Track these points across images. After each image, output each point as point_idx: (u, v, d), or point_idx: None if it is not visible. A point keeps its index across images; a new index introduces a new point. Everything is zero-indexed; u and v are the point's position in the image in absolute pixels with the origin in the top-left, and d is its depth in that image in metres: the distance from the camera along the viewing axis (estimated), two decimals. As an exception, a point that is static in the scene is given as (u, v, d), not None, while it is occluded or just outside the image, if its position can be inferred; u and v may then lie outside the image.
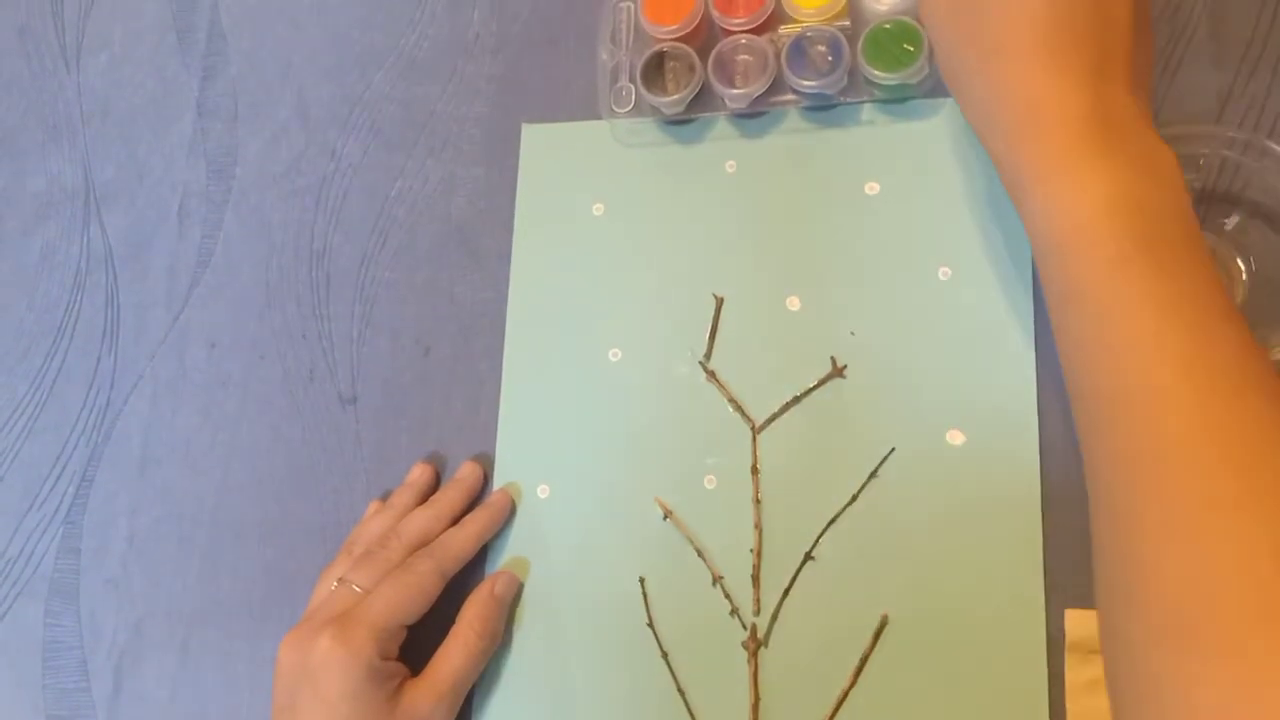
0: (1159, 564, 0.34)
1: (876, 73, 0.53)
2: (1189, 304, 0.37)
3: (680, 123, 0.58)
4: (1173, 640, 0.33)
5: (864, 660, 0.49)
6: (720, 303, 0.55)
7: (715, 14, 0.56)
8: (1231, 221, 0.49)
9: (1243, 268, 0.49)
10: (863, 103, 0.56)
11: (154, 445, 0.61)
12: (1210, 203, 0.49)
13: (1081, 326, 0.38)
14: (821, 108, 0.56)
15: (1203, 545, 0.33)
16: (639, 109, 0.57)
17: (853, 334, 0.53)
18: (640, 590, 0.52)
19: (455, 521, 0.54)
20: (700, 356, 0.55)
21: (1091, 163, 0.39)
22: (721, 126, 0.58)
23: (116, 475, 0.62)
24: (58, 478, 0.62)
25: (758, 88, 0.55)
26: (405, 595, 0.50)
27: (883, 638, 0.49)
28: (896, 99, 0.55)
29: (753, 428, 0.53)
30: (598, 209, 0.58)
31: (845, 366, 0.53)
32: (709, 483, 0.53)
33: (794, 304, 0.55)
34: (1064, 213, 0.39)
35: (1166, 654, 0.33)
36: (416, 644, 0.51)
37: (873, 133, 0.56)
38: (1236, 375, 0.35)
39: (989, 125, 0.42)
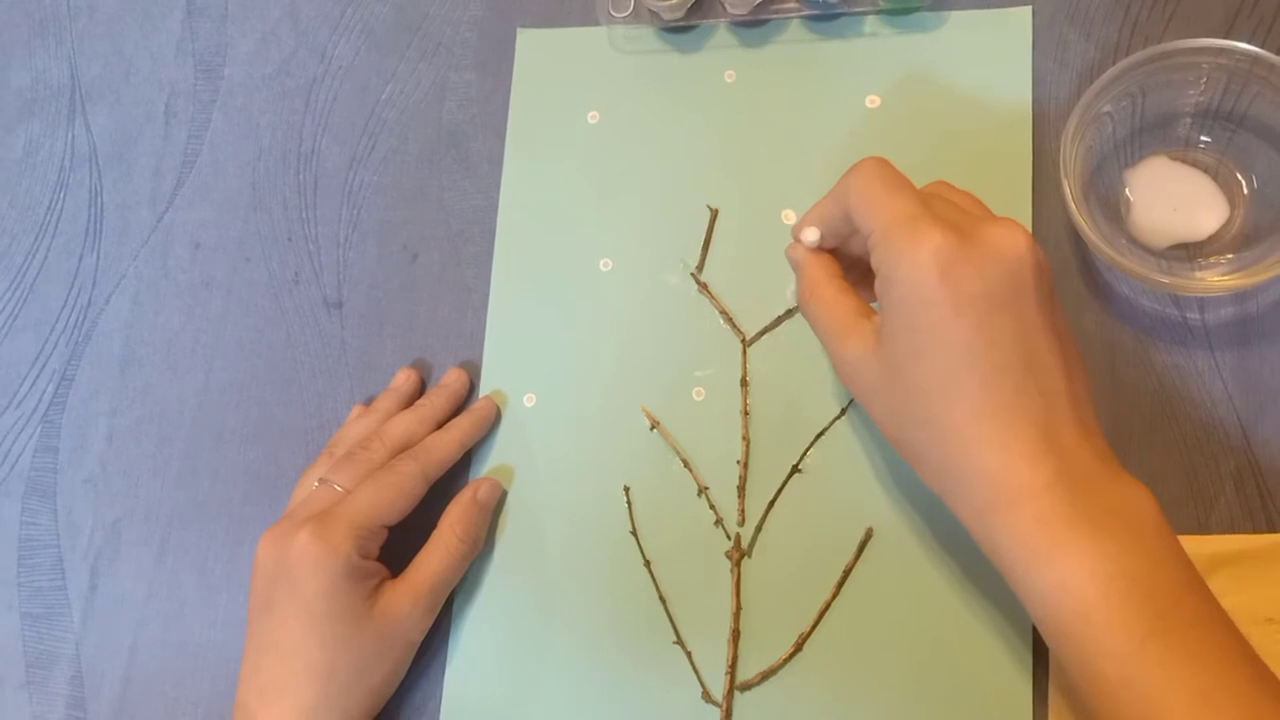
0: None
1: (881, -20, 0.52)
2: (1218, 684, 0.35)
3: (679, 30, 0.57)
4: None
5: (847, 572, 0.49)
6: (715, 214, 0.55)
7: (719, -83, 0.55)
8: (1234, 138, 0.48)
9: (1244, 185, 0.48)
10: (866, 13, 0.55)
11: (135, 345, 0.60)
12: (1215, 118, 0.48)
13: (1107, 709, 0.37)
14: (824, 17, 0.55)
15: None
16: (637, 14, 0.56)
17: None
18: (625, 499, 0.52)
19: (439, 427, 0.53)
20: (692, 268, 0.54)
21: (1073, 542, 0.36)
22: (721, 35, 0.56)
23: (97, 375, 0.61)
24: (37, 376, 0.61)
25: (760, -7, 0.54)
26: (386, 495, 0.50)
27: (867, 551, 0.49)
28: (900, 10, 0.54)
29: (743, 340, 0.53)
30: (592, 117, 0.57)
31: (839, 281, 0.52)
32: (697, 394, 0.53)
33: (789, 217, 0.54)
34: (1062, 597, 0.36)
35: None
36: (399, 548, 0.50)
37: (875, 44, 0.55)
38: None
39: (954, 501, 0.40)
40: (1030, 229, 0.50)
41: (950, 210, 0.41)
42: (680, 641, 0.50)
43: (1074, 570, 0.36)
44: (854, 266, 0.46)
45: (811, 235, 0.45)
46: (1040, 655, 0.46)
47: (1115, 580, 0.36)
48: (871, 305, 0.43)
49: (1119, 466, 0.39)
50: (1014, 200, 0.50)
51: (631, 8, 0.56)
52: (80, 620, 0.57)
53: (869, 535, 0.49)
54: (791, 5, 0.54)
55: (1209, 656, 0.36)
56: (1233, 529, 0.46)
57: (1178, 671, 0.35)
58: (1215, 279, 0.46)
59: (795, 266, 0.46)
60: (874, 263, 0.41)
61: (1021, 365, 0.38)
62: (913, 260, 0.39)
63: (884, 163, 0.43)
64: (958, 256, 0.38)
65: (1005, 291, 0.38)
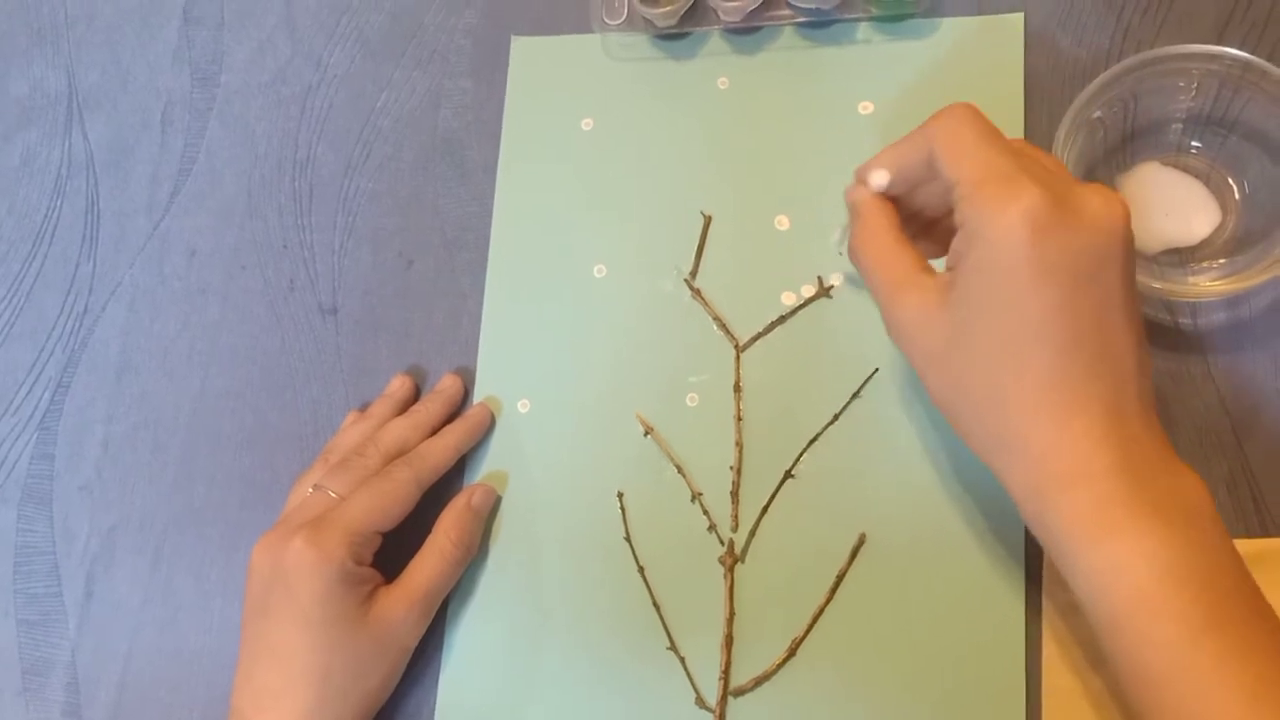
0: None
1: (874, -13, 0.52)
2: (1264, 677, 0.34)
3: (673, 37, 0.57)
4: None
5: (840, 578, 0.49)
6: (708, 221, 0.55)
7: (712, -75, 0.55)
8: (1226, 143, 0.48)
9: (1236, 190, 0.48)
10: (859, 20, 0.55)
11: (131, 352, 0.61)
12: (1206, 124, 0.49)
13: (1156, 710, 0.36)
14: (817, 24, 0.55)
15: None
16: (631, 22, 0.56)
17: (841, 254, 0.52)
18: (618, 505, 0.52)
19: (434, 433, 0.54)
20: (686, 274, 0.54)
21: (1131, 526, 0.36)
22: (715, 42, 0.57)
23: (93, 382, 0.61)
24: (34, 383, 0.62)
25: (752, 0, 0.54)
26: (381, 502, 0.50)
27: (860, 556, 0.49)
28: (893, 17, 0.54)
29: (736, 346, 0.53)
30: (587, 124, 0.57)
31: (832, 287, 0.52)
32: (691, 400, 0.53)
33: (783, 223, 0.54)
34: (1117, 583, 0.36)
35: None
36: (393, 554, 0.50)
37: (868, 51, 0.55)
38: None
39: (1007, 474, 0.39)
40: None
41: (1042, 171, 0.38)
42: (674, 647, 0.49)
43: (1131, 554, 0.35)
44: (912, 219, 0.44)
45: (881, 179, 0.42)
46: (1033, 662, 0.46)
47: (1173, 568, 0.35)
48: (929, 262, 0.42)
49: (1175, 455, 0.38)
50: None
51: (625, 15, 0.56)
52: (76, 627, 0.57)
53: (862, 541, 0.49)
54: (785, 12, 0.55)
55: (1261, 653, 0.35)
56: (1226, 534, 0.46)
57: (1231, 667, 0.34)
58: (1208, 284, 0.46)
59: (854, 210, 0.43)
60: (959, 216, 0.38)
61: (1098, 342, 0.37)
62: (1005, 219, 0.37)
63: (976, 111, 0.40)
64: (1052, 220, 0.36)
65: (1094, 264, 0.37)
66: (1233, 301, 0.48)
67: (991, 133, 0.39)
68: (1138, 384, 0.38)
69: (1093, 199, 0.37)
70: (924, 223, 0.44)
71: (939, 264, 0.42)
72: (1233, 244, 0.48)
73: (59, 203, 0.64)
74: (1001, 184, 0.37)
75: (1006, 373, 0.38)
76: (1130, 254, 0.38)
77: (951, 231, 0.40)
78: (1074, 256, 0.37)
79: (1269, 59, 0.46)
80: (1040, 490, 0.37)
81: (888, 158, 0.42)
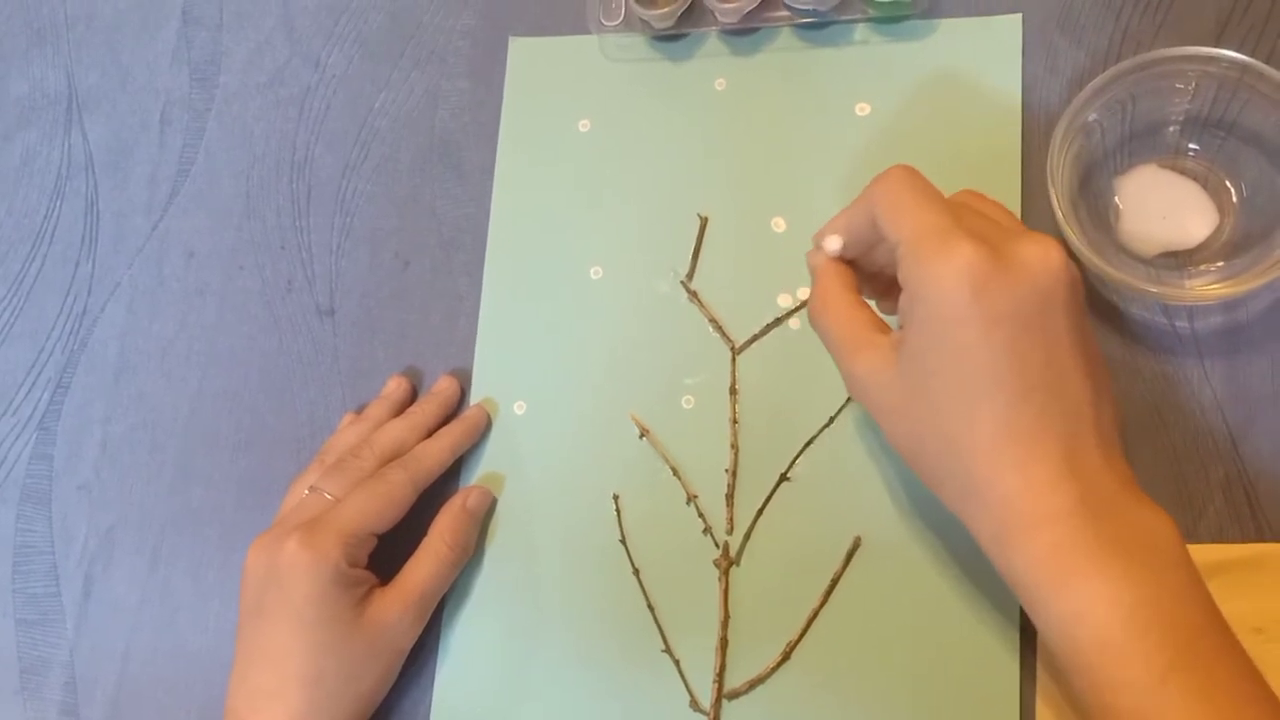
0: None
1: (870, -11, 0.52)
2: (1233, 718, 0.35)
3: (670, 38, 0.57)
4: None
5: (835, 581, 0.48)
6: (704, 222, 0.55)
7: (709, -74, 0.55)
8: (1223, 146, 0.48)
9: (1234, 193, 0.48)
10: (856, 22, 0.55)
11: (130, 353, 0.61)
12: (1204, 126, 0.48)
13: None
14: (814, 26, 0.55)
15: None
16: (628, 23, 0.56)
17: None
18: (614, 507, 0.52)
19: (430, 434, 0.54)
20: (682, 276, 0.54)
21: (1093, 570, 0.36)
22: (712, 43, 0.56)
23: (92, 382, 0.61)
24: (33, 384, 0.62)
25: (749, 2, 0.54)
26: (375, 504, 0.50)
27: (855, 559, 0.49)
28: (890, 18, 0.54)
29: (732, 348, 0.53)
30: (584, 125, 0.57)
31: (828, 289, 0.52)
32: (686, 403, 0.53)
33: (779, 225, 0.54)
34: (1077, 632, 0.36)
35: None
36: (389, 556, 0.50)
37: (865, 53, 0.55)
38: None
39: (972, 524, 0.39)
40: (1019, 237, 0.50)
41: (981, 223, 0.40)
42: (668, 649, 0.50)
43: (1094, 598, 0.35)
44: (873, 279, 0.45)
45: (834, 244, 0.43)
46: (1027, 666, 0.45)
47: (1136, 610, 0.35)
48: (885, 320, 0.43)
49: (1140, 492, 0.38)
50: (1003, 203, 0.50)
51: (622, 16, 0.56)
52: (74, 627, 0.58)
53: (857, 544, 0.49)
54: (782, 14, 0.54)
55: (1227, 696, 0.35)
56: (1222, 538, 0.46)
57: (1198, 710, 0.34)
58: (1204, 287, 0.46)
59: (812, 273, 0.44)
60: (901, 275, 0.39)
61: (1048, 387, 0.37)
62: (942, 275, 0.37)
63: (912, 171, 0.41)
64: (990, 272, 0.37)
65: (1036, 310, 0.37)
66: (1229, 305, 0.47)
67: (928, 191, 0.40)
68: (1094, 423, 0.38)
69: (1029, 247, 0.38)
70: (885, 282, 0.45)
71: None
72: (1230, 247, 0.47)
73: (58, 203, 0.64)
74: (937, 241, 0.38)
75: (960, 423, 0.38)
76: (1074, 294, 0.38)
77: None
78: (1015, 305, 0.37)
79: (1267, 61, 0.45)
80: (1002, 537, 0.38)
81: (839, 223, 0.43)
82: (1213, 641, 0.36)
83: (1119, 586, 0.35)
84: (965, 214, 0.40)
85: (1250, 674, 0.36)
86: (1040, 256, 0.38)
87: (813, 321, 0.44)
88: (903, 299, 0.40)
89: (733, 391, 0.52)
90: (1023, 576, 0.37)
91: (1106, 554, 0.36)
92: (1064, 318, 0.38)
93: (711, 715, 0.48)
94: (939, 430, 0.39)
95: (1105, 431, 0.39)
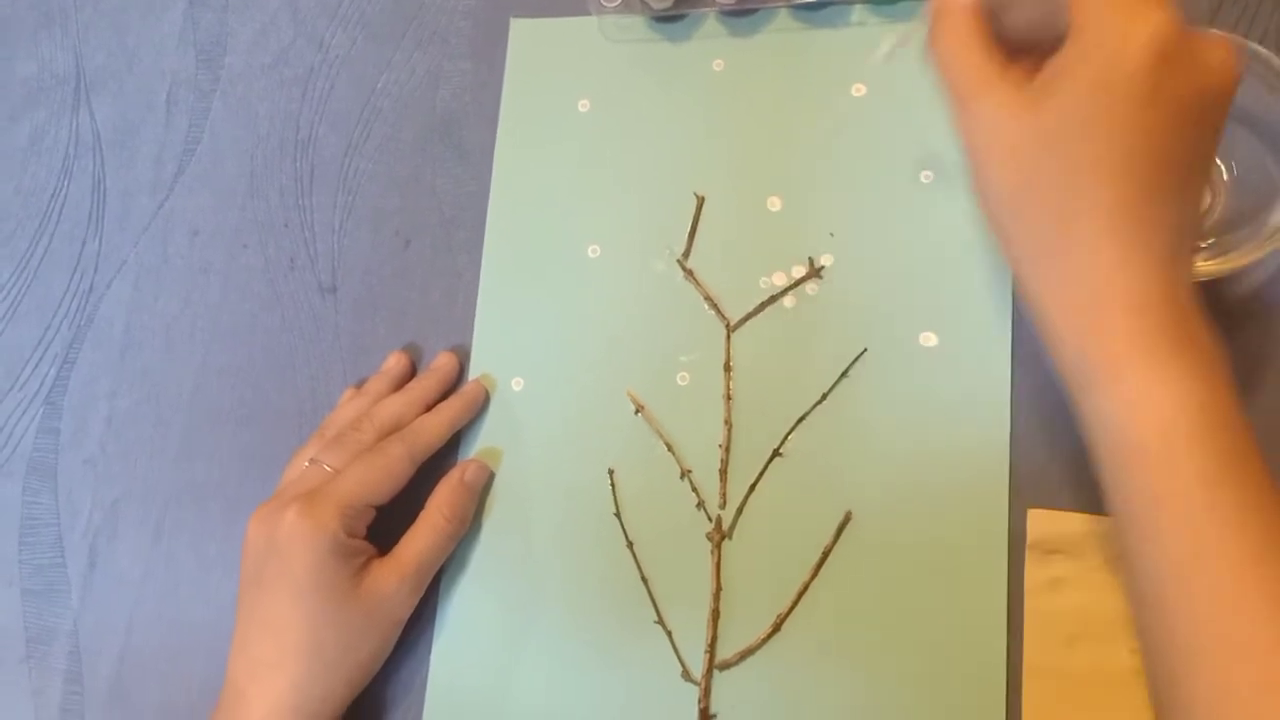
0: None
1: (866, -31, 0.52)
2: (1273, 539, 0.34)
3: (669, 19, 0.57)
4: None
5: (825, 554, 0.49)
6: (701, 201, 0.55)
7: (707, -93, 0.55)
8: (1215, 125, 0.48)
9: (1224, 172, 0.48)
10: (853, 2, 0.55)
11: (135, 330, 0.62)
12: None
13: (1157, 555, 0.36)
14: (812, 7, 0.55)
15: None
16: (628, 4, 0.56)
17: (832, 235, 0.53)
18: (609, 482, 0.52)
19: (429, 409, 0.54)
20: (679, 254, 0.55)
21: (1169, 361, 0.36)
22: (710, 24, 0.57)
23: (97, 358, 0.62)
24: (40, 359, 0.63)
25: (746, -17, 0.54)
26: (374, 475, 0.50)
27: (845, 533, 0.49)
28: (887, 0, 0.54)
29: (727, 326, 0.53)
30: (583, 105, 0.58)
31: (823, 267, 0.53)
32: (681, 379, 0.53)
33: (775, 204, 0.54)
34: (1143, 416, 0.36)
35: None
36: (387, 529, 0.51)
37: (862, 34, 0.55)
38: None
39: (1053, 309, 0.38)
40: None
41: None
42: (661, 621, 0.50)
43: (1167, 385, 0.35)
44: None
45: None
46: (1014, 638, 0.46)
47: (1202, 411, 0.35)
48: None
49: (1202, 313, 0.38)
50: (996, 188, 0.51)
51: (621, -3, 0.56)
52: (79, 597, 0.58)
53: (847, 518, 0.49)
54: (779, -5, 0.55)
55: (1272, 508, 0.35)
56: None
57: (1245, 517, 0.35)
58: (1196, 264, 0.46)
59: (941, 10, 0.40)
60: (1075, 23, 0.37)
61: (1178, 183, 0.37)
62: (1132, 32, 0.35)
63: None
64: (1177, 50, 0.35)
65: (1199, 108, 0.36)
66: (1220, 282, 0.48)
67: None
68: (1194, 237, 0.39)
69: (1217, 45, 0.37)
70: (1007, 51, 0.42)
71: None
72: (1221, 225, 0.48)
73: (66, 182, 0.65)
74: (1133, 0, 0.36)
75: (1087, 184, 0.37)
76: (1227, 110, 0.38)
77: (1031, 69, 0.38)
78: (1186, 94, 0.36)
79: (1260, 42, 0.46)
80: (1084, 312, 0.37)
81: None
82: (1257, 461, 0.36)
83: (1191, 385, 0.35)
84: None
85: (1270, 479, 0.36)
86: (1225, 59, 0.36)
87: (934, 55, 0.40)
88: (1068, 48, 0.37)
89: (727, 368, 0.53)
90: (1092, 360, 0.37)
91: (1184, 351, 0.36)
92: (1216, 127, 0.37)
93: (703, 685, 0.49)
94: (1057, 189, 0.37)
95: (1195, 251, 0.39)
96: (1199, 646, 0.35)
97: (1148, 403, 0.36)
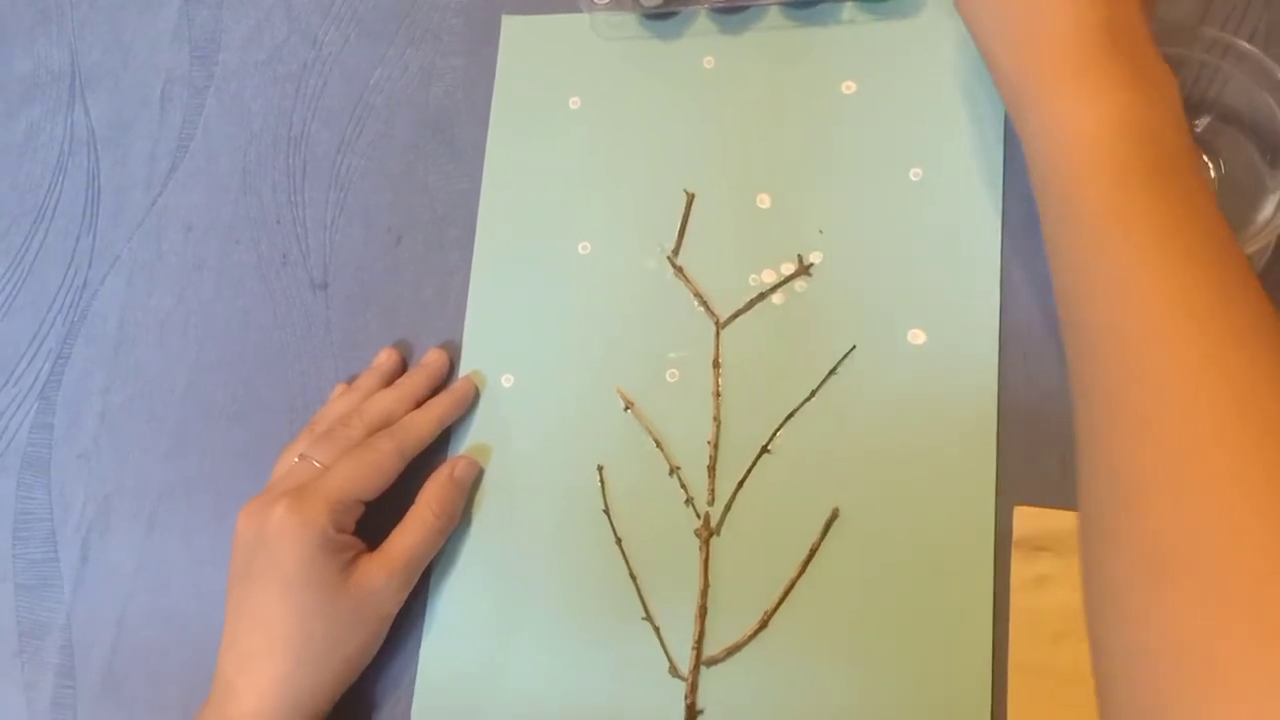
0: (1145, 502, 0.33)
1: (856, -33, 0.52)
2: (1190, 236, 0.35)
3: (660, 17, 0.57)
4: (1154, 574, 0.31)
5: (813, 551, 0.49)
6: (691, 198, 0.55)
7: (698, -95, 0.55)
8: (1203, 123, 0.48)
9: (1212, 170, 0.48)
10: (844, 0, 0.55)
11: (129, 325, 0.62)
12: (1185, 105, 0.48)
13: (1077, 252, 0.37)
14: (803, 4, 0.55)
15: (1190, 483, 0.32)
16: (619, 1, 0.57)
17: (821, 232, 0.53)
18: (598, 478, 0.53)
19: (419, 405, 0.54)
20: (669, 251, 0.55)
21: (1097, 77, 0.38)
22: (701, 21, 0.57)
23: (91, 354, 0.62)
24: (34, 354, 0.63)
25: (737, -20, 0.54)
26: (362, 471, 0.51)
27: (833, 530, 0.49)
28: (877, -3, 0.54)
29: (717, 323, 0.53)
30: (574, 102, 0.58)
31: (812, 265, 0.53)
32: (671, 376, 0.53)
33: (764, 201, 0.54)
34: (1067, 129, 0.38)
35: (1148, 588, 0.32)
36: (377, 525, 0.51)
37: (853, 31, 0.55)
38: (1235, 314, 0.34)
39: (996, 37, 0.41)
40: (1001, 211, 0.50)
41: None
42: (649, 617, 0.50)
43: (1093, 99, 0.37)
44: None
45: None
46: (1000, 635, 0.46)
47: (1125, 120, 0.37)
48: None
49: (1157, 52, 0.40)
50: (986, 183, 0.51)
51: (612, -5, 0.57)
52: (71, 592, 0.59)
53: (835, 515, 0.49)
54: (770, -8, 0.55)
55: (1192, 209, 0.36)
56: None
57: (1158, 210, 0.36)
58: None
59: None
60: None
61: None
62: None
63: None
64: None
65: None
66: (1208, 282, 0.48)
67: None
68: None
69: None
70: None
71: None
72: (1209, 224, 0.48)
73: (61, 178, 0.66)
74: None
75: None
76: None
77: None
78: None
79: (1249, 41, 0.46)
80: (1025, 44, 0.40)
81: None
82: (1183, 160, 0.37)
83: (1115, 93, 0.37)
84: None
85: (1210, 198, 0.37)
86: None
87: None
88: None
89: (716, 365, 0.53)
90: (1028, 81, 0.39)
91: (1113, 67, 0.38)
92: None
93: (690, 682, 0.49)
94: None
95: (1149, 6, 0.41)
96: (1117, 326, 0.35)
97: (1073, 116, 0.38)
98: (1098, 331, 0.36)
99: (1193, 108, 0.48)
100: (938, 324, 0.50)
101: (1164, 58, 0.47)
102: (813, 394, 0.51)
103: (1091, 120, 0.37)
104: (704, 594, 0.50)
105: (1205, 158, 0.48)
